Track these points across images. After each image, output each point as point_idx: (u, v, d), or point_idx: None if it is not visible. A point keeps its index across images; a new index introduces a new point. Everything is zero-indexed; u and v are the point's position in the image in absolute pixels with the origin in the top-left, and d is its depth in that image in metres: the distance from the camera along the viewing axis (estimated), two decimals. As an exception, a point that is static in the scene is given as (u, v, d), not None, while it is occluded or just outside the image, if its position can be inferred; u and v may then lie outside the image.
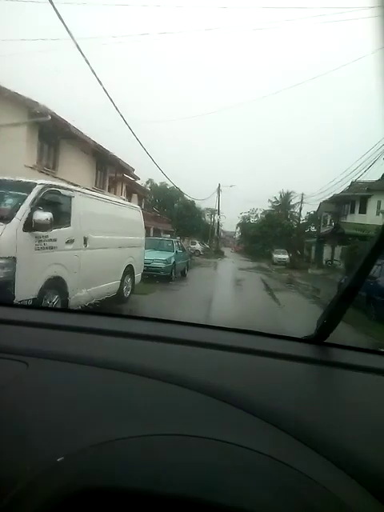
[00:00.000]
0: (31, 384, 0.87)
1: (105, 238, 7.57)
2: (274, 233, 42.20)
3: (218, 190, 39.98)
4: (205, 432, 0.69)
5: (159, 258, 13.35)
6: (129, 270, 9.05)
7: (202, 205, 42.75)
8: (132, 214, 9.63)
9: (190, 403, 0.82)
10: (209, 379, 0.91)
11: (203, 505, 0.54)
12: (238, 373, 1.00)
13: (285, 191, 48.94)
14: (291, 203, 48.52)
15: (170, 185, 43.54)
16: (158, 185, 44.82)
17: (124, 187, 28.47)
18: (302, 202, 35.29)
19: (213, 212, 42.96)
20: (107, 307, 6.91)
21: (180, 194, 42.60)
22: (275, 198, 49.07)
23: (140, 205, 32.89)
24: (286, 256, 33.18)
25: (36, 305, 2.12)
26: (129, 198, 30.30)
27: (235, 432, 0.71)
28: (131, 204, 9.53)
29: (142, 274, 10.32)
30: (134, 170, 24.84)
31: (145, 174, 42.27)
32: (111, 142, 24.18)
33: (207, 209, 43.30)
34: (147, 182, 44.03)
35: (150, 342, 1.16)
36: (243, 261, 34.25)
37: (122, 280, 8.62)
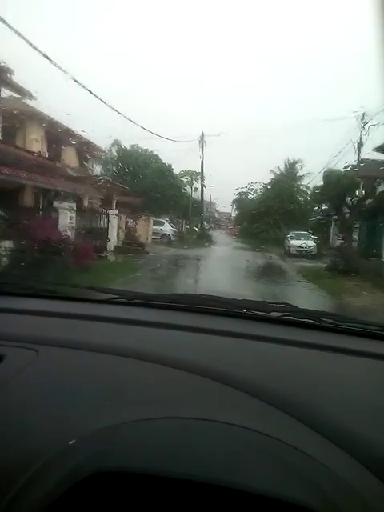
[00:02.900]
0: (41, 371, 0.88)
1: None
2: (283, 207, 29.35)
3: (201, 142, 26.54)
4: (210, 415, 0.71)
5: None
6: None
7: (179, 164, 29.58)
8: None
9: (195, 387, 0.84)
10: (213, 364, 0.92)
11: (209, 484, 0.56)
12: (240, 358, 1.02)
13: (290, 160, 35.47)
14: (298, 174, 35.29)
15: (142, 147, 31.10)
16: (128, 148, 31.55)
17: (37, 131, 15.85)
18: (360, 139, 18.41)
19: (193, 176, 29.41)
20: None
21: (156, 158, 29.95)
22: (279, 168, 35.55)
23: (81, 165, 20.48)
24: (312, 243, 20.31)
25: (43, 294, 1.48)
26: (55, 150, 17.77)
27: (239, 414, 0.73)
28: None
29: None
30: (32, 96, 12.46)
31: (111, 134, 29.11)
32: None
33: (185, 171, 29.81)
34: (112, 145, 30.98)
35: (156, 329, 1.17)
36: (239, 250, 21.47)
37: None
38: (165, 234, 22.17)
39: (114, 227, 14.61)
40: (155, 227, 21.38)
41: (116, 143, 31.59)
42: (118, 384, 0.83)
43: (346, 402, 0.83)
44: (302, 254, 19.19)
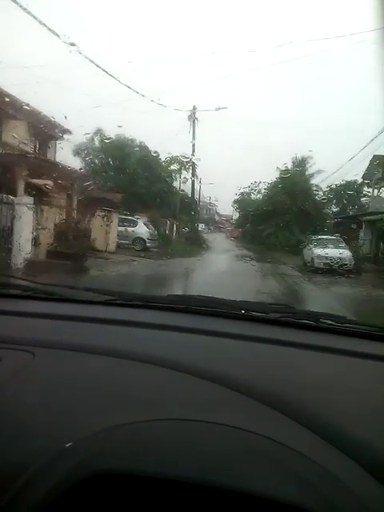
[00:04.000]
0: (38, 373, 0.87)
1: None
2: (296, 205, 23.58)
3: (193, 119, 20.39)
4: (209, 416, 0.70)
5: None
6: None
7: (166, 148, 23.52)
8: None
9: (194, 389, 0.83)
10: (212, 366, 0.91)
11: (208, 487, 0.56)
12: (239, 359, 1.00)
13: (299, 157, 29.26)
14: (308, 173, 29.27)
15: (128, 135, 25.23)
16: (113, 138, 25.54)
17: None
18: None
19: (183, 164, 23.12)
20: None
21: (142, 147, 24.25)
22: (286, 166, 29.24)
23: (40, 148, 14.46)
24: (347, 253, 14.17)
25: (40, 296, 1.46)
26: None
27: (238, 416, 0.72)
28: None
29: None
30: None
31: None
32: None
33: (172, 158, 23.53)
34: (95, 134, 25.15)
35: (154, 330, 1.15)
36: (242, 261, 15.46)
37: None
38: (138, 237, 16.07)
39: (29, 226, 8.64)
40: (122, 228, 15.29)
41: (99, 132, 26.08)
42: (115, 386, 0.82)
43: (344, 403, 0.82)
44: (332, 268, 13.12)
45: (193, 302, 1.39)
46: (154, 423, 0.68)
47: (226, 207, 39.35)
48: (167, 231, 24.57)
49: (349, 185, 27.41)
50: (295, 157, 29.95)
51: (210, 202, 42.66)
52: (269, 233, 23.92)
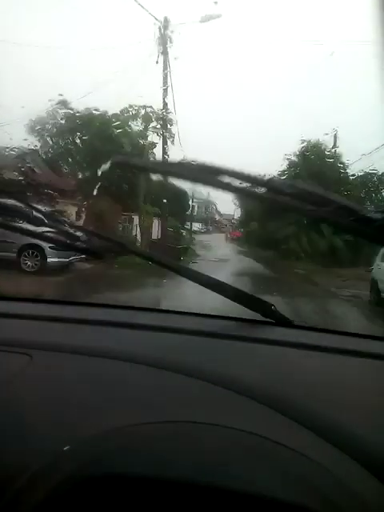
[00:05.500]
0: (35, 376, 0.88)
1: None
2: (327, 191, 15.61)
3: (163, 40, 12.04)
4: (206, 418, 0.71)
5: None
6: None
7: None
8: None
9: (191, 390, 0.84)
10: (211, 367, 0.93)
11: (207, 488, 0.57)
12: (240, 360, 1.03)
13: (312, 141, 20.92)
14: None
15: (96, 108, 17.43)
16: (80, 112, 17.51)
17: None
18: None
19: (149, 119, 14.19)
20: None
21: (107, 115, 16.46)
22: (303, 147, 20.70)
23: None
24: None
25: (37, 298, 1.79)
26: None
27: (236, 417, 0.73)
28: None
29: None
30: None
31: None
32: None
33: (132, 107, 14.72)
34: (58, 105, 17.30)
35: (151, 332, 1.18)
36: (251, 286, 7.60)
37: None
38: (28, 245, 7.75)
39: None
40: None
41: (62, 103, 18.25)
42: (115, 388, 0.83)
43: (343, 401, 0.83)
44: None
45: None
46: (153, 425, 0.69)
47: (227, 205, 31.88)
48: (137, 232, 16.81)
49: (367, 176, 19.75)
50: (309, 140, 22.08)
51: (208, 199, 35.97)
52: (285, 234, 16.22)
